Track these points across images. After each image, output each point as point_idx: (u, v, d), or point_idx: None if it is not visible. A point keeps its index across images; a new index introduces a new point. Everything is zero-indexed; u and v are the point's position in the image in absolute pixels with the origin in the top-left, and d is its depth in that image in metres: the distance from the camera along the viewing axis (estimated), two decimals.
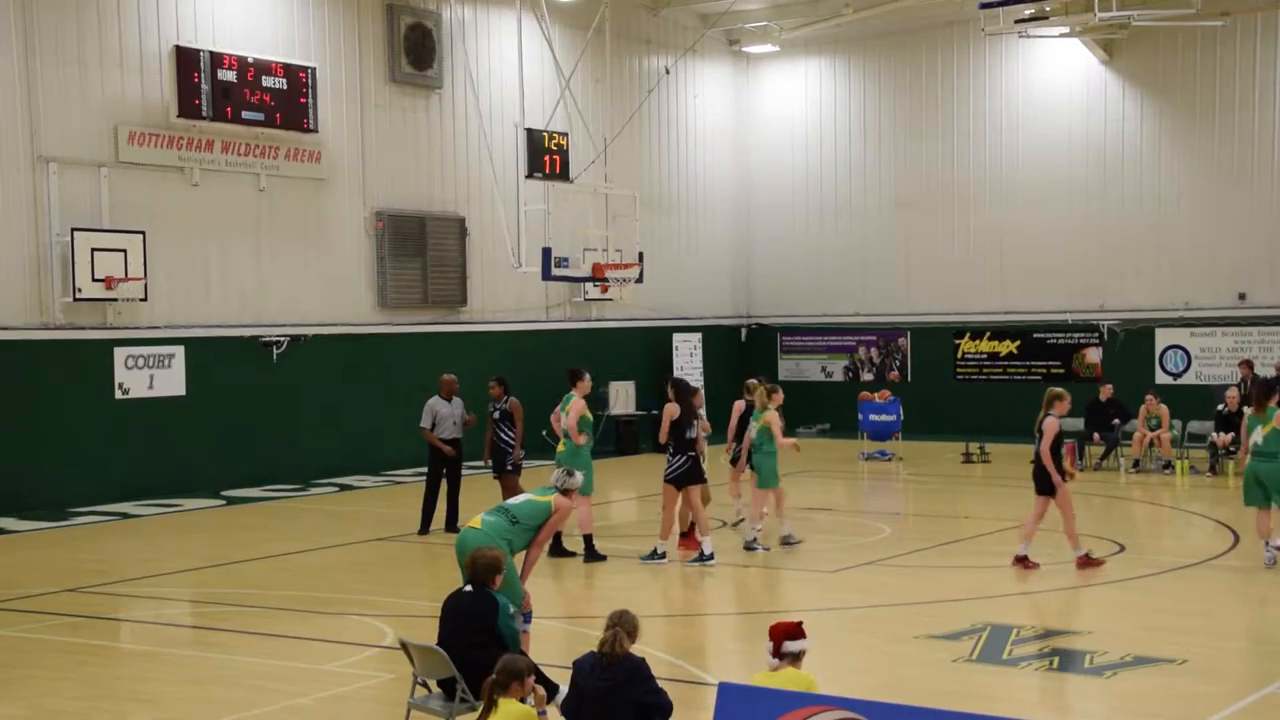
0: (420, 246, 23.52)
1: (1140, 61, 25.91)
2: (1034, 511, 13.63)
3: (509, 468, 15.82)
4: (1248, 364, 22.61)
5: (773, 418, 14.76)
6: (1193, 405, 23.07)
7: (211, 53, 19.98)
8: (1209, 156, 25.53)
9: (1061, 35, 24.96)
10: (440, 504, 16.39)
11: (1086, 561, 13.38)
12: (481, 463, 16.38)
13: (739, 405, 15.75)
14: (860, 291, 29.02)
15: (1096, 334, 26.62)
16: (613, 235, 22.84)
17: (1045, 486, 13.46)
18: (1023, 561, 13.45)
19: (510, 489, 15.11)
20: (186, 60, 19.72)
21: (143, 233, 19.33)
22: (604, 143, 22.94)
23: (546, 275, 21.32)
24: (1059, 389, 13.82)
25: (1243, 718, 8.58)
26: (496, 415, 15.94)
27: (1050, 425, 13.35)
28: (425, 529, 16.31)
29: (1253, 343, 24.96)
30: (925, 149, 28.26)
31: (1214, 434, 21.11)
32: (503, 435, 15.85)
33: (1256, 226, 25.01)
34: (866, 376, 28.84)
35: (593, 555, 14.28)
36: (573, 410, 14.63)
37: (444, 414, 16.25)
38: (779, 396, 15.09)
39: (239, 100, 20.24)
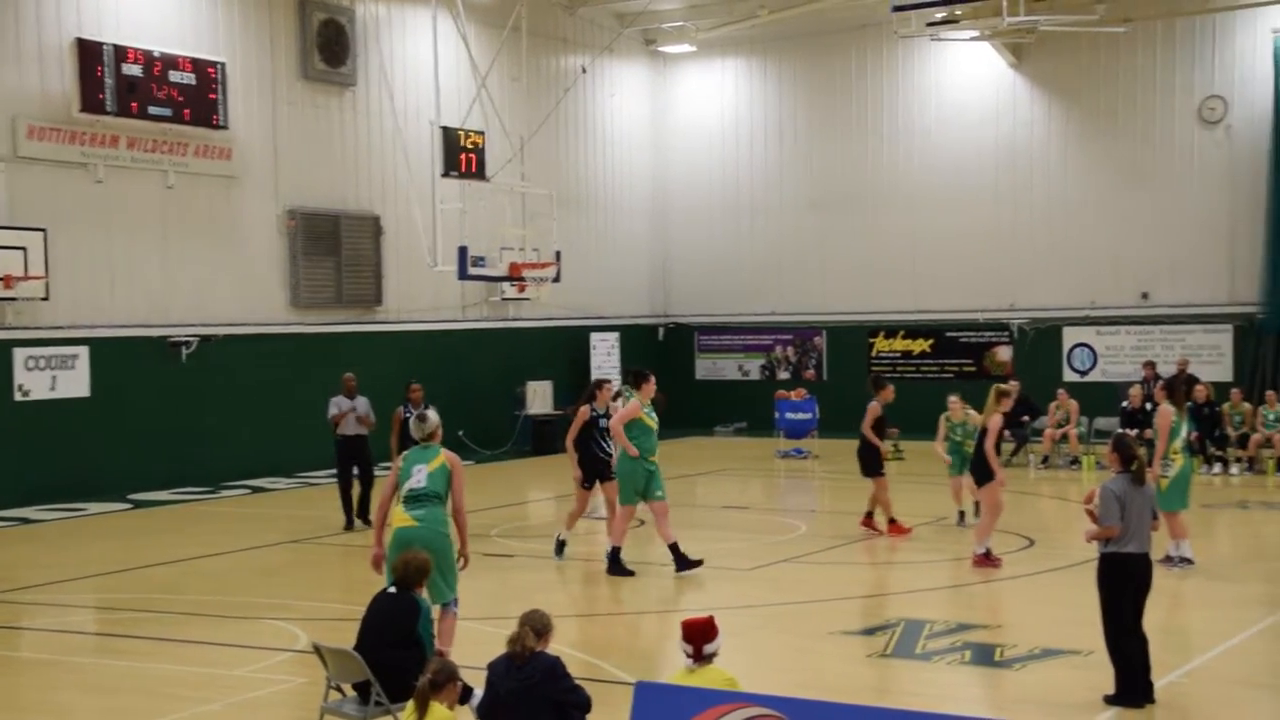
0: (334, 245, 23.23)
1: (1047, 66, 26.41)
2: (984, 507, 13.79)
3: None
4: (1151, 365, 23.15)
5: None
6: (1099, 402, 23.56)
7: (115, 46, 19.53)
8: (1113, 159, 26.09)
9: (971, 39, 25.35)
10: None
11: (985, 560, 13.54)
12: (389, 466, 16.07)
13: (584, 411, 14.49)
14: (776, 291, 29.21)
15: (1007, 333, 27.07)
16: (530, 234, 22.77)
17: (984, 478, 13.67)
18: (985, 560, 13.53)
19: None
20: (89, 53, 19.25)
21: (43, 230, 18.83)
22: (521, 141, 22.86)
23: (463, 274, 21.21)
24: (1004, 385, 14.07)
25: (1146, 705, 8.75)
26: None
27: (994, 422, 13.51)
28: (350, 524, 16.56)
29: (1155, 341, 25.56)
30: (840, 150, 28.52)
31: (1120, 430, 21.53)
32: None
33: (1158, 228, 25.59)
34: (783, 375, 29.04)
35: (618, 568, 13.43)
36: (623, 411, 13.67)
37: (347, 409, 16.72)
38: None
39: (145, 95, 19.82)
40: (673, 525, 13.56)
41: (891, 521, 15.46)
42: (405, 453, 9.70)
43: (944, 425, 15.96)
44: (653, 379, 13.87)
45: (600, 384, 14.62)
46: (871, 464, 15.61)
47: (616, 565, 13.41)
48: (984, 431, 13.61)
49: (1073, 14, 23.74)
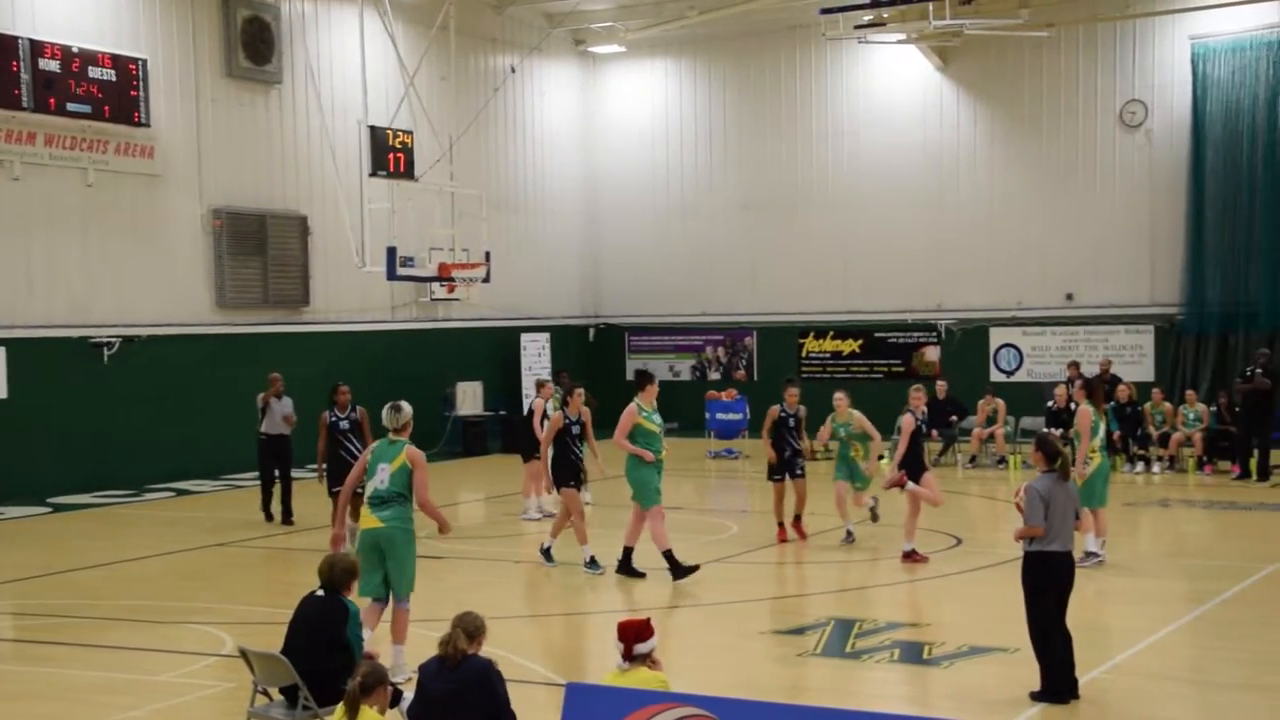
0: (260, 245, 22.91)
1: (973, 69, 26.75)
2: (909, 508, 13.91)
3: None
4: (1075, 365, 23.52)
5: None
6: (1025, 402, 23.89)
7: (31, 40, 19.10)
8: (1037, 161, 26.48)
9: (899, 42, 25.60)
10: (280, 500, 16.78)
11: (911, 556, 13.69)
12: (316, 475, 15.25)
13: (558, 418, 13.95)
14: (707, 291, 29.30)
15: (935, 333, 27.37)
16: (459, 235, 22.64)
17: (915, 475, 13.79)
18: (910, 556, 13.69)
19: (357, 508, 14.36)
20: (4, 48, 18.75)
21: None
22: (449, 141, 22.72)
23: (391, 275, 21.04)
24: (917, 385, 14.26)
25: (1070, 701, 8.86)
26: (346, 426, 14.87)
27: (907, 422, 13.68)
28: (269, 516, 16.98)
29: (1079, 341, 25.98)
30: (769, 151, 28.67)
31: (1045, 430, 21.87)
32: (353, 448, 14.58)
33: (1082, 229, 26.02)
34: (714, 376, 29.13)
35: (628, 569, 13.18)
36: (623, 418, 13.23)
37: (274, 408, 17.12)
38: None
39: (63, 91, 19.40)
40: (598, 527, 13.52)
41: (780, 524, 15.09)
42: (374, 444, 9.98)
43: (829, 425, 14.98)
44: (656, 381, 13.59)
45: (572, 390, 14.08)
46: (769, 469, 15.08)
47: (677, 567, 12.95)
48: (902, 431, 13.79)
49: (997, 18, 24.08)
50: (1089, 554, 13.23)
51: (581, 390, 14.12)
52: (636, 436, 13.18)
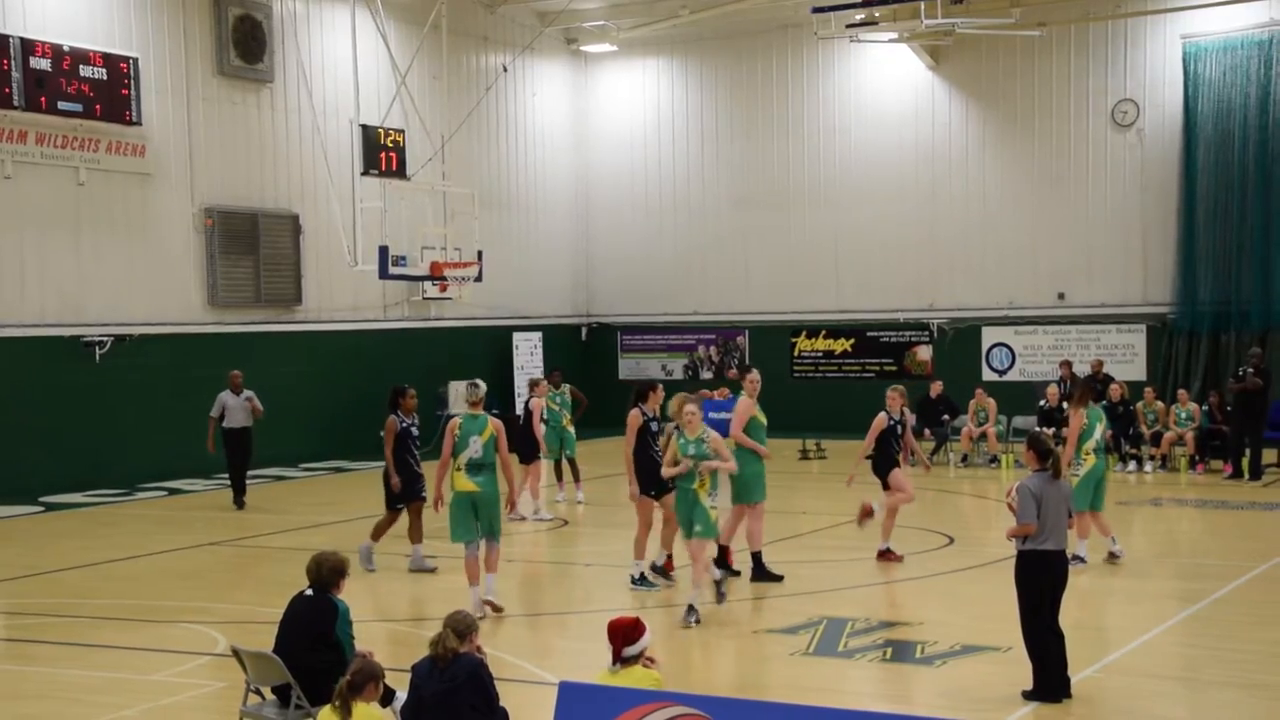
0: (252, 244, 22.87)
1: (965, 68, 26.77)
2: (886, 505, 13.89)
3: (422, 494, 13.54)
4: (1067, 364, 23.56)
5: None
6: (1016, 401, 23.92)
7: (22, 39, 19.06)
8: (1029, 161, 26.51)
9: (890, 41, 25.62)
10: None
11: (886, 555, 13.65)
12: (392, 486, 13.58)
13: (635, 416, 12.70)
14: (699, 290, 29.31)
15: (927, 332, 27.39)
16: (451, 233, 22.63)
17: (883, 473, 13.76)
18: (886, 555, 13.66)
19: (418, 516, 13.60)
20: None
21: None
22: (441, 140, 22.72)
23: (384, 274, 21.05)
24: (897, 385, 14.21)
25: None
26: (416, 432, 13.61)
27: (877, 420, 13.68)
28: (239, 503, 18.12)
29: (1071, 340, 26.02)
30: (761, 149, 28.68)
31: (1036, 429, 21.90)
32: (418, 455, 13.64)
33: (1074, 229, 26.06)
34: (706, 375, 29.12)
35: (762, 574, 12.77)
36: (737, 413, 12.71)
37: (233, 405, 18.23)
38: None
39: (55, 90, 19.37)
40: (593, 525, 13.49)
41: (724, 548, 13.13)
42: (459, 419, 11.42)
43: (673, 444, 11.58)
44: (756, 372, 13.18)
45: (653, 385, 12.87)
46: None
47: (761, 570, 12.82)
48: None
49: (989, 18, 24.10)
50: (1076, 557, 13.20)
51: (660, 385, 13.11)
52: (752, 430, 12.86)
